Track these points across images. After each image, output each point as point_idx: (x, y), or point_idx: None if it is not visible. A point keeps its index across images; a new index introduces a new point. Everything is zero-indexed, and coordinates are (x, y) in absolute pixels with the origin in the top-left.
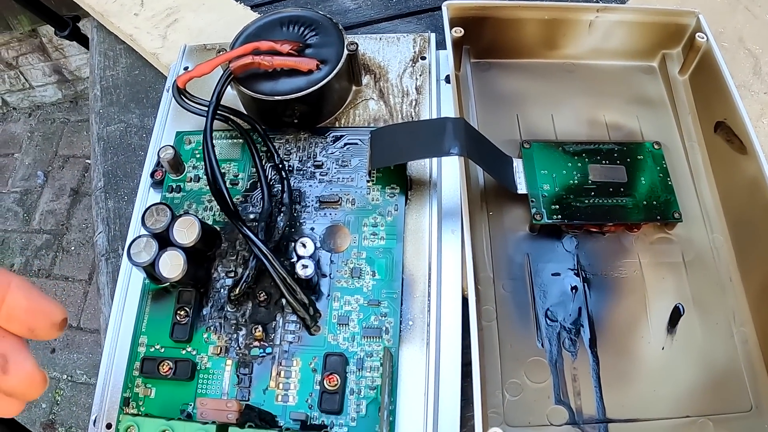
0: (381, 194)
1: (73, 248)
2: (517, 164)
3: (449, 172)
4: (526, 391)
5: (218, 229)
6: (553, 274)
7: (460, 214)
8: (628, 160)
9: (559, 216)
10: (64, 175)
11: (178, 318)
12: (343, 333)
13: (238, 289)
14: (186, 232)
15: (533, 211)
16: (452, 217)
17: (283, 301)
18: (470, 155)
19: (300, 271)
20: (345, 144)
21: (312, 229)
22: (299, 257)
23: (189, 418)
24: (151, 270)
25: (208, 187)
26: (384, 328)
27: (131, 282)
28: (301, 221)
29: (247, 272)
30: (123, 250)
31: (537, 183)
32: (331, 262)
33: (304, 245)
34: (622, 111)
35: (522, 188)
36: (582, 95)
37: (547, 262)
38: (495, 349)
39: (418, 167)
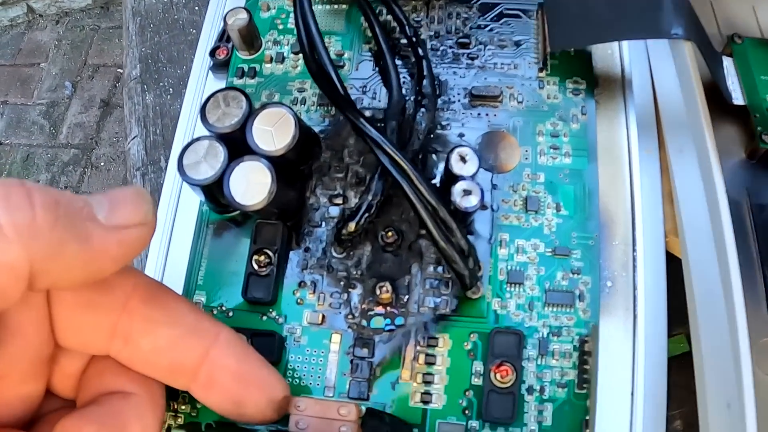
0: (560, 90)
1: (102, 164)
2: (728, 64)
3: (637, 65)
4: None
5: (316, 131)
6: None
7: (655, 128)
8: None
9: None
10: (94, 85)
11: (256, 266)
12: (516, 297)
13: (354, 224)
14: (274, 133)
15: (758, 129)
16: (646, 131)
17: (421, 243)
18: (696, 41)
19: (459, 200)
20: (500, 15)
21: (461, 135)
22: (455, 178)
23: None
24: (216, 192)
25: (295, 70)
26: (577, 292)
27: (180, 208)
28: (443, 124)
29: (369, 198)
30: (167, 161)
31: (758, 92)
32: (493, 186)
33: (463, 158)
34: None
35: (738, 98)
36: None
37: None
38: None
39: (603, 55)
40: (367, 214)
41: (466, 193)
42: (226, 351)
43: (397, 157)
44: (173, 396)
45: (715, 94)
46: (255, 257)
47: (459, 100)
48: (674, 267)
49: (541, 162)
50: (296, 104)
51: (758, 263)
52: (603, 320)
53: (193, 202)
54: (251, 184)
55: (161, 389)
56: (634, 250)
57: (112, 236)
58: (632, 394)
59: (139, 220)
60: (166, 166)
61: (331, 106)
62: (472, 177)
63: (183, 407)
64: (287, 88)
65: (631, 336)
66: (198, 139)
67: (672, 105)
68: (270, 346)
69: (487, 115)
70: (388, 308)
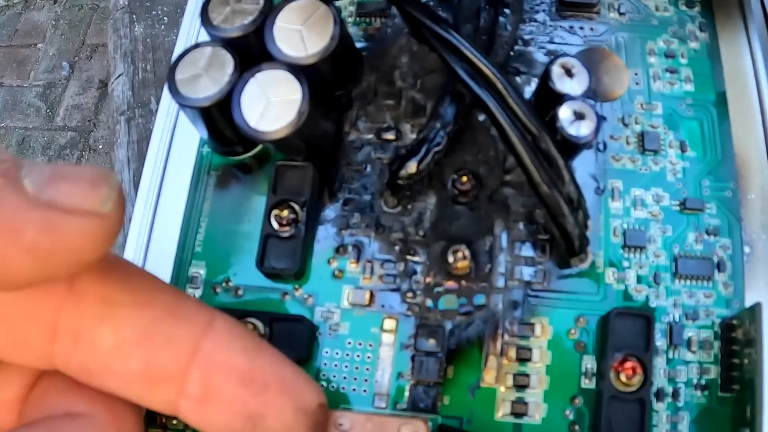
0: (670, 2)
1: (101, 147)
2: None
3: None
4: None
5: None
6: None
7: None
8: None
9: None
10: (92, 66)
11: (277, 225)
12: (636, 267)
13: (416, 163)
14: (305, 33)
15: None
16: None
17: (506, 193)
18: None
19: (568, 128)
20: None
21: (549, 54)
22: (558, 98)
23: None
24: (220, 120)
25: None
26: (716, 259)
27: (173, 152)
28: (525, 38)
29: (438, 125)
30: (159, 102)
31: None
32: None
33: (568, 70)
34: None
35: None
36: None
37: None
38: None
39: None
40: (436, 149)
41: (578, 117)
42: (227, 342)
43: (479, 62)
44: None
45: None
46: (275, 212)
47: (544, 10)
48: None
49: (655, 88)
50: None
51: None
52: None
53: (190, 143)
54: (272, 103)
55: (131, 408)
56: None
57: (35, 213)
58: None
59: (89, 207)
60: (158, 108)
61: (375, 17)
62: (583, 97)
63: (174, 422)
64: None
65: None
66: (197, 45)
67: None
68: (296, 338)
69: (581, 28)
70: (464, 282)
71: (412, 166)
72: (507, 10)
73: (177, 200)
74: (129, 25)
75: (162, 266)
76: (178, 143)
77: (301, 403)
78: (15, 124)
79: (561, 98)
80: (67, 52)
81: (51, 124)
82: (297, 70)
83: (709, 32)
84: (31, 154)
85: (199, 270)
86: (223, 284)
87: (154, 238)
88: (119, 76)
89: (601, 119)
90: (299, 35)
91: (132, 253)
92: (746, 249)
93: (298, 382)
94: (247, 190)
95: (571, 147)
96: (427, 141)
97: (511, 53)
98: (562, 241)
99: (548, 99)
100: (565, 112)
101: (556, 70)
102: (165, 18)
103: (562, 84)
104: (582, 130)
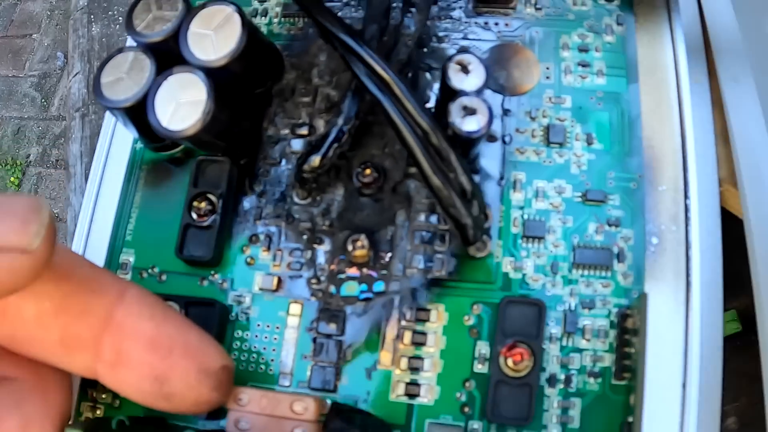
0: None
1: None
2: None
3: None
4: None
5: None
6: None
7: (703, 51)
8: None
9: None
10: None
11: (195, 215)
12: (534, 257)
13: (320, 158)
14: (214, 37)
15: None
16: (694, 54)
17: (409, 185)
18: None
19: (459, 122)
20: None
21: (462, 51)
22: (454, 94)
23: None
24: (140, 115)
25: None
26: (616, 250)
27: (113, 148)
28: (439, 35)
29: (340, 122)
30: None
31: None
32: (505, 112)
33: (464, 67)
34: None
35: None
36: None
37: None
38: None
39: None
40: (336, 144)
41: (468, 112)
42: (136, 311)
43: (375, 64)
44: (91, 382)
45: None
46: (194, 204)
47: (460, 6)
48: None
49: (566, 82)
50: (256, 16)
51: None
52: (648, 288)
53: (126, 140)
54: (181, 104)
55: (58, 373)
56: (686, 197)
57: None
58: (684, 386)
59: (18, 243)
60: None
61: (298, 17)
62: (477, 93)
63: (103, 396)
64: None
65: (683, 309)
66: (120, 50)
67: (724, 24)
68: (208, 319)
69: (496, 24)
70: (365, 270)
71: (315, 160)
72: (413, 9)
73: (113, 193)
74: (87, 25)
75: (99, 253)
76: (117, 140)
77: (204, 365)
78: (10, 114)
79: (456, 95)
80: (62, 42)
81: (46, 113)
82: (208, 72)
83: (627, 25)
84: (26, 143)
85: (128, 257)
86: (149, 270)
87: (93, 228)
88: (77, 74)
89: (492, 113)
90: (210, 39)
91: (76, 241)
92: (654, 240)
93: (202, 345)
94: (174, 184)
95: (465, 141)
96: (329, 136)
97: (425, 50)
98: (457, 232)
99: (447, 95)
100: (456, 107)
101: (453, 67)
102: (120, 18)
103: (458, 81)
104: (473, 124)
